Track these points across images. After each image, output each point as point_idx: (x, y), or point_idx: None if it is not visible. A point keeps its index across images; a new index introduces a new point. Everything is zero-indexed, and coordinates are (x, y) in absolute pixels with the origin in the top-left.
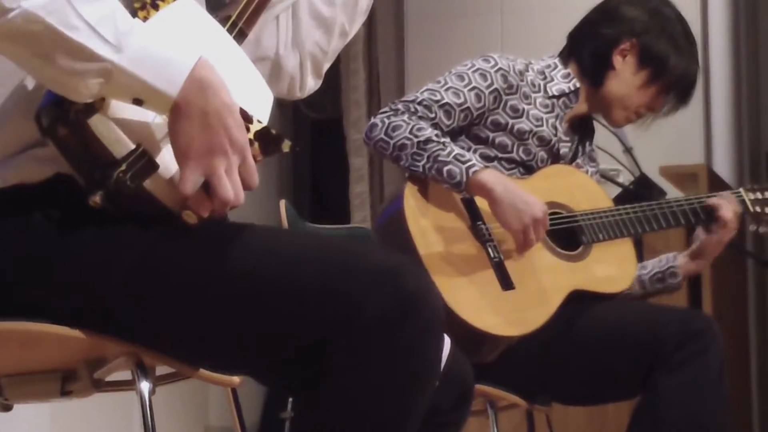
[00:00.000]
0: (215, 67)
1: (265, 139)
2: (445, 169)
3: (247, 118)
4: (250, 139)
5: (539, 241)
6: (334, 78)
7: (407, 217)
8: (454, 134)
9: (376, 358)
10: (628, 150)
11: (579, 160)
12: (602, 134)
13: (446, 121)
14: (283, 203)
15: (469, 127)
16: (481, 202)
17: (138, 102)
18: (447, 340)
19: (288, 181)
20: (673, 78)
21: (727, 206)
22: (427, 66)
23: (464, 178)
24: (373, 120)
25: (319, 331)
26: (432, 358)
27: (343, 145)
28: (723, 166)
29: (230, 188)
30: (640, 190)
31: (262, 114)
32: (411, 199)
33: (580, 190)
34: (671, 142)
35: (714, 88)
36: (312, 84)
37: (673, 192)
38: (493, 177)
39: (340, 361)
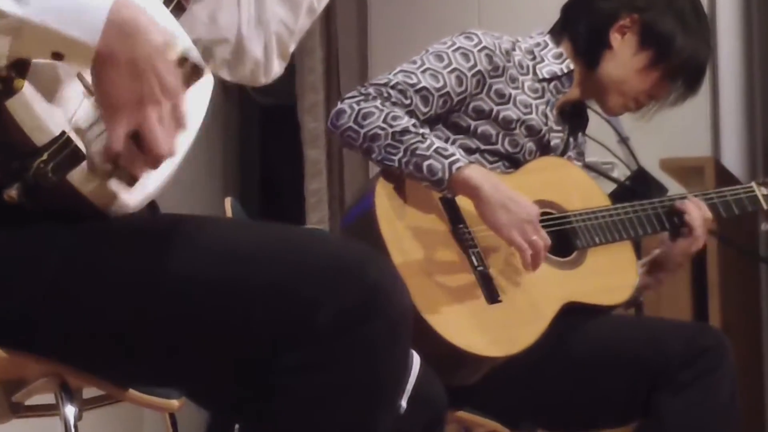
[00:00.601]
0: (141, 5)
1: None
2: (425, 164)
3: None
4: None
5: (546, 248)
6: None
7: (379, 218)
8: (431, 122)
9: (333, 364)
10: (623, 140)
11: (571, 153)
12: (594, 122)
13: (423, 108)
14: (228, 201)
15: (447, 115)
16: (465, 202)
17: (58, 56)
18: (416, 358)
19: (234, 176)
20: (679, 62)
21: (695, 211)
22: (393, 44)
23: (446, 175)
24: (339, 106)
25: (267, 337)
26: (397, 365)
27: (297, 134)
28: (732, 158)
29: (164, 140)
30: (638, 186)
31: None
32: (384, 198)
33: (574, 186)
34: (673, 132)
35: (722, 70)
36: (278, 68)
37: (675, 188)
38: (480, 174)
39: (292, 370)
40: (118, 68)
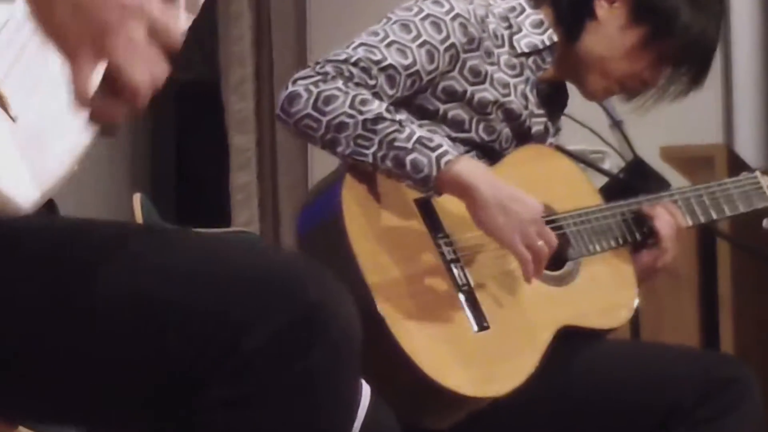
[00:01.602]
0: None
1: None
2: (408, 159)
3: None
4: None
5: (552, 251)
6: (207, 25)
7: (349, 229)
8: (395, 106)
9: (265, 399)
10: (616, 124)
11: (552, 140)
12: (580, 102)
13: (389, 89)
14: (137, 198)
15: (413, 97)
16: (445, 203)
17: None
18: (366, 390)
19: (144, 167)
20: (682, 43)
21: (664, 217)
22: (337, 8)
23: (434, 171)
24: (292, 89)
25: (185, 366)
26: (342, 400)
27: (220, 118)
28: (748, 146)
29: (140, 68)
30: (634, 179)
31: None
32: (352, 203)
33: (563, 181)
34: (676, 115)
35: (736, 45)
36: (184, 22)
37: (679, 182)
38: (473, 169)
39: (215, 405)
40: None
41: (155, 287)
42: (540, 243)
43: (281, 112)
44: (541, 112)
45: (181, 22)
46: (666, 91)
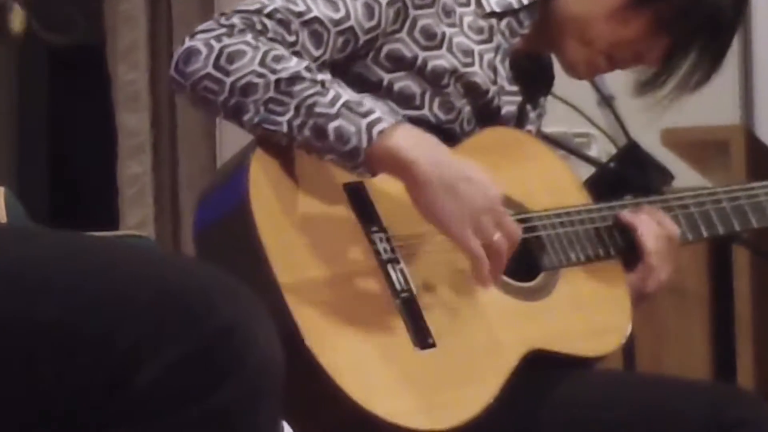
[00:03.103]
0: None
1: None
2: (331, 126)
3: None
4: None
5: (514, 247)
6: None
7: (257, 217)
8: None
9: None
10: (605, 100)
11: (531, 127)
12: (559, 70)
13: (314, 49)
14: (0, 193)
15: (349, 63)
16: (382, 185)
17: None
18: (285, 427)
19: (8, 154)
20: (678, 4)
21: (648, 226)
22: None
23: (364, 142)
24: (189, 43)
25: (64, 402)
26: None
27: (106, 91)
28: None
29: None
30: (628, 170)
31: None
32: (263, 185)
33: (540, 173)
34: None
35: (758, 11)
36: None
37: (686, 174)
38: (414, 140)
39: None
40: None
41: (23, 306)
42: (497, 237)
43: (175, 72)
44: (514, 89)
45: None
46: (688, 80)
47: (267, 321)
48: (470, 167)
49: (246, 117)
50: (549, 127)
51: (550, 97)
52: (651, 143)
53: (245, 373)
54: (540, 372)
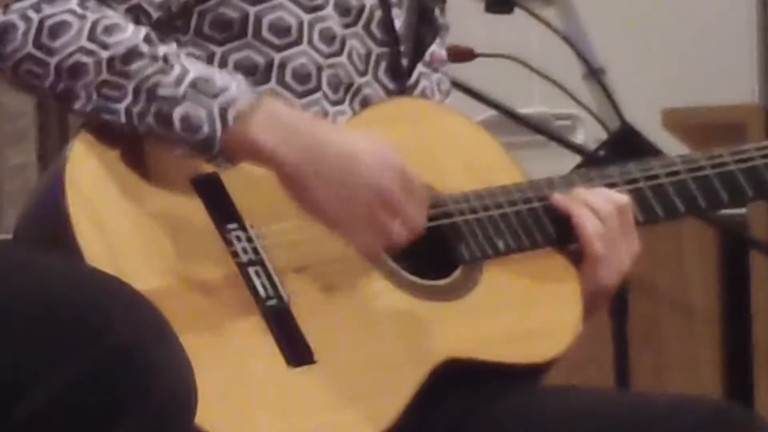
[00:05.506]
0: None
1: None
2: (177, 112)
3: None
4: None
5: (419, 229)
6: None
7: (73, 216)
8: (169, 29)
9: None
10: (595, 74)
11: (436, 49)
12: (539, 44)
13: None
14: None
15: (204, 12)
16: (249, 173)
17: None
18: None
19: None
20: None
21: (586, 215)
22: None
23: (217, 130)
24: (3, 18)
25: None
26: None
27: None
28: None
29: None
30: (621, 158)
31: None
32: (83, 177)
33: (454, 150)
34: (687, 62)
35: None
36: None
37: None
38: (277, 119)
39: None
40: None
41: None
42: (396, 224)
43: None
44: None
45: None
46: None
47: (173, 339)
48: (356, 140)
49: (77, 105)
50: (524, 107)
51: (524, 71)
52: (650, 126)
53: (149, 405)
54: (464, 387)
